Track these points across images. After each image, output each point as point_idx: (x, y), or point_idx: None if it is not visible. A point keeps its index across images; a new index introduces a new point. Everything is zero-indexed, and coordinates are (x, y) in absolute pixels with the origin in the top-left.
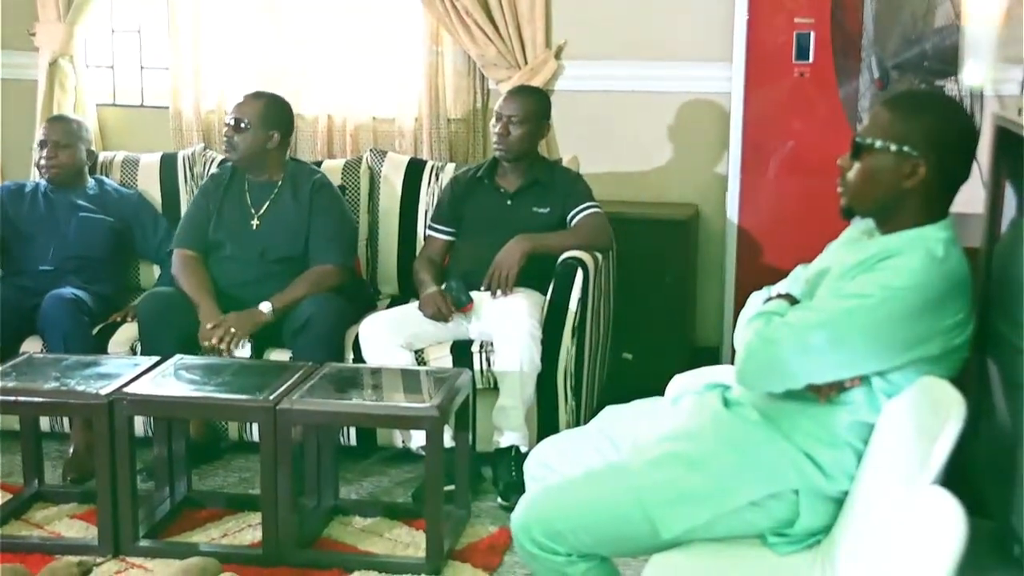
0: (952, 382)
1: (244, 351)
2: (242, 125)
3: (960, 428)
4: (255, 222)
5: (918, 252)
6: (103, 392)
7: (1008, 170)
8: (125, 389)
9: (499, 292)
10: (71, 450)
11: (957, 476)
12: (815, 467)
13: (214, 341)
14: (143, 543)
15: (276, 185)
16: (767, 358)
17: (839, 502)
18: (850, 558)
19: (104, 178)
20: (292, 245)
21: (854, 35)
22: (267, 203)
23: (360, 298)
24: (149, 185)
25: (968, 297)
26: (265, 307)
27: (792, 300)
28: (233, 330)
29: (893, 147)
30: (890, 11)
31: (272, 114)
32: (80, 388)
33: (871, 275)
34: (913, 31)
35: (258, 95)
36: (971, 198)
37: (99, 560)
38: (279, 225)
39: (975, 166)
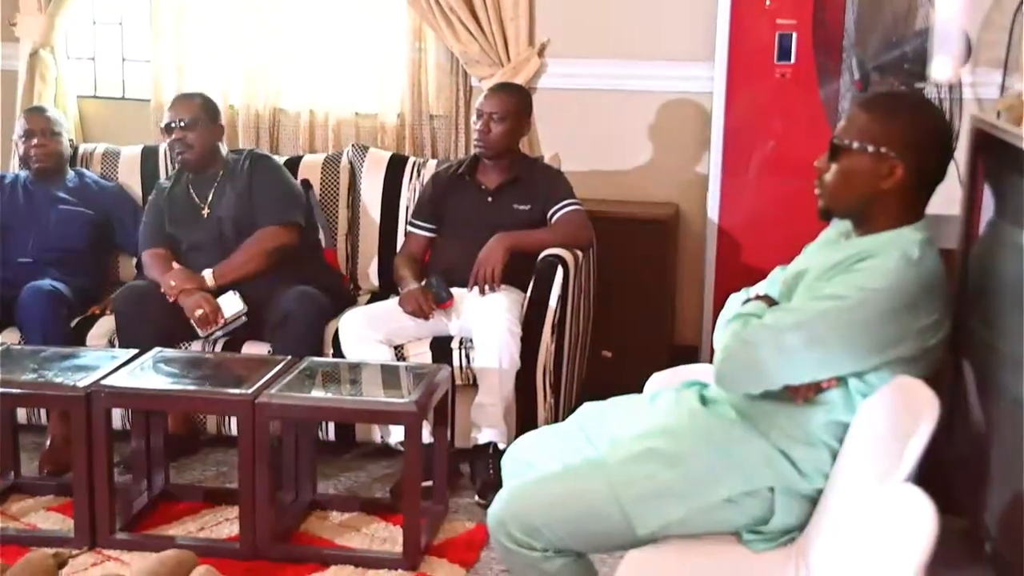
0: (927, 382)
1: (236, 304)
2: (183, 123)
3: (934, 427)
4: (205, 211)
5: (894, 254)
6: (81, 384)
7: (986, 173)
8: (103, 382)
9: (486, 289)
10: (48, 442)
11: (931, 475)
12: (791, 465)
13: (171, 299)
14: (119, 536)
15: (218, 175)
16: (745, 360)
17: (814, 500)
18: (824, 555)
19: (84, 170)
20: (243, 216)
21: (836, 36)
22: (212, 192)
23: (339, 293)
24: (130, 178)
25: (943, 298)
26: (207, 273)
27: (770, 301)
28: (173, 283)
29: (870, 148)
30: (871, 13)
31: (212, 108)
32: (58, 380)
33: (847, 276)
34: (894, 33)
35: (190, 95)
36: (948, 199)
37: (75, 552)
38: (227, 204)
39: (953, 166)
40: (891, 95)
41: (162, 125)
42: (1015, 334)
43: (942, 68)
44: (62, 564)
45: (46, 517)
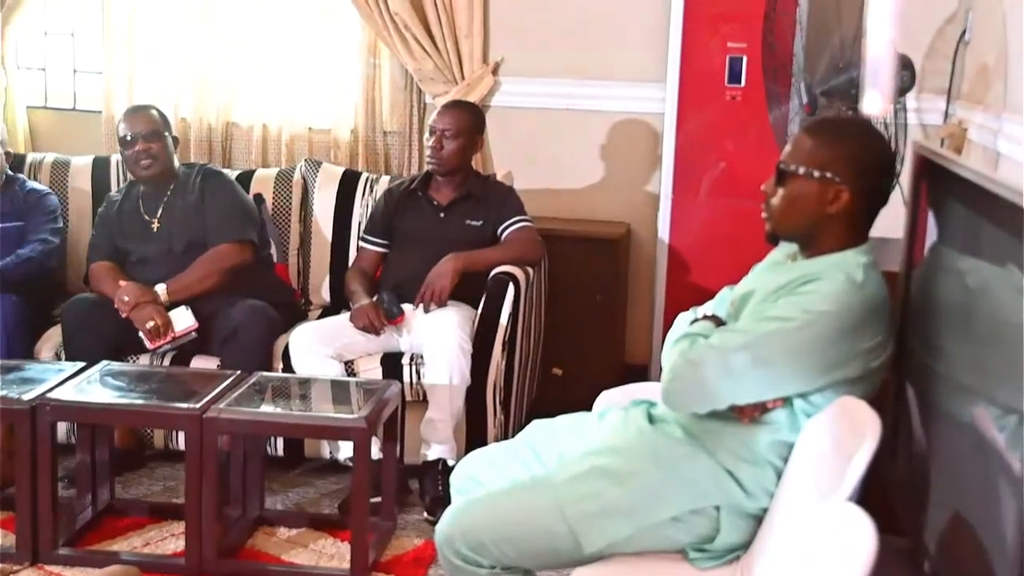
0: (871, 403)
1: (187, 319)
2: (146, 135)
3: (876, 447)
4: (155, 225)
5: (839, 276)
6: (26, 397)
7: (928, 198)
8: (49, 395)
9: (430, 307)
10: None
11: (874, 494)
12: (736, 484)
13: (124, 315)
14: (62, 551)
15: (169, 188)
16: (691, 379)
17: (759, 518)
18: (767, 573)
19: (26, 179)
20: (194, 232)
21: (784, 61)
22: (162, 206)
23: (290, 308)
24: (80, 187)
25: (886, 320)
26: (160, 288)
27: (718, 321)
28: (126, 298)
29: (816, 174)
30: (819, 38)
31: (167, 119)
32: (2, 393)
33: (793, 298)
34: (841, 58)
35: (144, 107)
36: (893, 223)
37: (16, 568)
38: (177, 218)
39: (897, 191)
40: (836, 121)
41: (121, 137)
42: (954, 357)
43: (874, 100)
44: None
45: None
